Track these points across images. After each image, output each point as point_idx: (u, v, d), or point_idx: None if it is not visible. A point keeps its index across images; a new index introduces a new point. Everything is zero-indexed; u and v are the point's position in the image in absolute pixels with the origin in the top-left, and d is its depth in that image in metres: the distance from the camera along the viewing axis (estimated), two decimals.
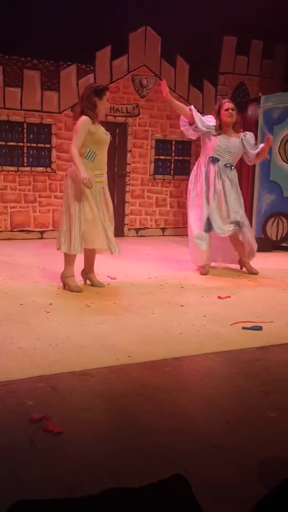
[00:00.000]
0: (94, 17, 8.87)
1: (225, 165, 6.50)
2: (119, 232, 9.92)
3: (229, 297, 5.41)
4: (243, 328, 4.39)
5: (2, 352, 3.65)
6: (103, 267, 6.78)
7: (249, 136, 6.58)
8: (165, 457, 2.41)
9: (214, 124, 6.53)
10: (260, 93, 9.13)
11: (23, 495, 2.08)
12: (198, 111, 10.28)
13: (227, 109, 6.46)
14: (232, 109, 6.47)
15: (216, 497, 2.12)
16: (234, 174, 6.61)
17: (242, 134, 6.56)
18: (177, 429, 2.68)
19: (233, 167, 6.58)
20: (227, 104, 6.53)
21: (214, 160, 6.50)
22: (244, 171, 9.21)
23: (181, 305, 5.04)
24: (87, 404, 2.94)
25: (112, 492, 0.98)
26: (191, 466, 2.29)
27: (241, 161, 6.83)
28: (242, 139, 6.53)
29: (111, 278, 6.18)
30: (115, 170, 9.80)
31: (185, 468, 2.22)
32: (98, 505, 0.90)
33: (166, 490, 0.99)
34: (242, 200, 6.72)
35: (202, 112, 10.38)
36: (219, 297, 5.38)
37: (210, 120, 6.59)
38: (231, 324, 4.48)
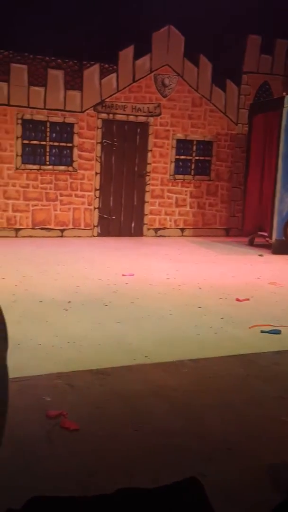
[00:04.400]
0: (118, 17, 8.91)
1: None
2: (138, 231, 9.98)
3: (248, 299, 5.38)
4: (262, 331, 4.37)
5: (21, 348, 3.70)
6: (119, 266, 6.82)
7: None
8: (179, 459, 2.42)
9: None
10: (284, 93, 9.04)
11: (38, 489, 2.11)
12: (221, 111, 10.42)
13: None
14: None
15: (229, 500, 2.12)
16: None
17: None
18: (191, 431, 2.69)
19: None
20: None
21: None
22: (266, 173, 9.14)
23: (199, 307, 5.04)
24: (103, 402, 2.96)
25: (126, 492, 1.00)
26: (205, 468, 2.30)
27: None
28: None
29: (129, 275, 6.21)
30: (136, 169, 9.82)
31: (199, 470, 2.23)
32: (112, 505, 0.92)
33: (180, 493, 0.99)
34: None
35: (225, 111, 10.43)
36: (238, 300, 5.36)
37: None
38: (249, 327, 4.46)
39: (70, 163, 9.50)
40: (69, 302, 4.99)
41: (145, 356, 3.68)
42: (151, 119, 9.91)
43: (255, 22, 9.76)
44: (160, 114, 9.97)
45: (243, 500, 2.15)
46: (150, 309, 4.87)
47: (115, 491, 1.02)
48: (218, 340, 4.13)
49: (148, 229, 10.16)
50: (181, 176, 10.30)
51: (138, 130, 9.78)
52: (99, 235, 9.79)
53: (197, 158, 10.38)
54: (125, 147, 9.66)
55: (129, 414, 2.84)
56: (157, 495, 1.00)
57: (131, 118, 9.74)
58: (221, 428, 2.74)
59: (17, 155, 9.10)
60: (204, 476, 2.14)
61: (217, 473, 2.31)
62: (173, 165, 10.20)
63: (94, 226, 9.81)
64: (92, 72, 9.40)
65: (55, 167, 9.40)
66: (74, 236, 9.55)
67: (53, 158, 9.36)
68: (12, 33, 8.58)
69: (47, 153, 9.33)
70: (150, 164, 10.00)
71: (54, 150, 9.39)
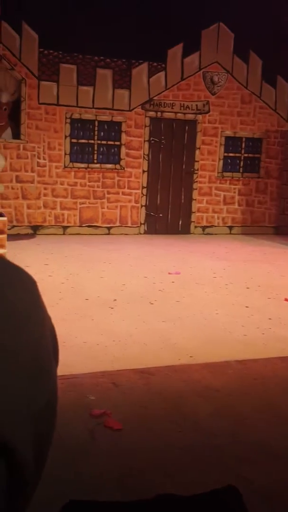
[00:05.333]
0: (167, 15, 8.86)
1: None
2: (185, 229, 9.93)
3: None
4: None
5: (66, 346, 3.75)
6: (166, 264, 6.80)
7: None
8: (222, 461, 2.38)
9: None
10: None
11: (80, 485, 2.13)
12: (271, 107, 10.20)
13: None
14: None
15: (271, 505, 2.06)
16: None
17: None
18: (236, 434, 2.64)
19: None
20: None
21: None
22: None
23: (246, 306, 4.95)
24: (147, 402, 2.96)
25: (165, 498, 0.96)
26: (248, 472, 2.25)
27: None
28: None
29: (175, 273, 6.18)
30: (183, 167, 9.77)
31: (242, 473, 2.18)
32: (150, 511, 0.89)
33: (217, 502, 0.96)
34: None
35: (275, 108, 10.20)
36: (287, 300, 5.22)
37: None
38: None
39: (117, 161, 9.56)
40: (115, 300, 5.02)
41: (190, 356, 3.65)
42: (199, 117, 9.82)
43: None
44: (208, 111, 9.86)
45: (285, 508, 2.08)
46: (196, 308, 4.83)
47: (154, 496, 0.99)
48: (265, 341, 4.04)
49: (196, 226, 10.09)
50: (229, 174, 10.15)
51: (186, 127, 9.71)
52: (145, 232, 9.80)
53: (246, 155, 10.20)
54: (173, 145, 9.63)
55: (172, 414, 2.82)
56: (194, 503, 0.96)
57: (179, 116, 9.69)
58: (266, 431, 2.67)
59: (65, 154, 9.24)
60: (247, 480, 2.10)
61: (261, 476, 2.25)
62: (221, 162, 10.07)
63: (141, 223, 9.83)
64: (140, 70, 9.42)
65: (103, 165, 9.48)
66: (121, 234, 9.60)
67: (100, 157, 9.45)
68: (62, 34, 8.70)
69: (95, 152, 9.43)
70: (198, 161, 9.91)
71: (102, 149, 9.47)
